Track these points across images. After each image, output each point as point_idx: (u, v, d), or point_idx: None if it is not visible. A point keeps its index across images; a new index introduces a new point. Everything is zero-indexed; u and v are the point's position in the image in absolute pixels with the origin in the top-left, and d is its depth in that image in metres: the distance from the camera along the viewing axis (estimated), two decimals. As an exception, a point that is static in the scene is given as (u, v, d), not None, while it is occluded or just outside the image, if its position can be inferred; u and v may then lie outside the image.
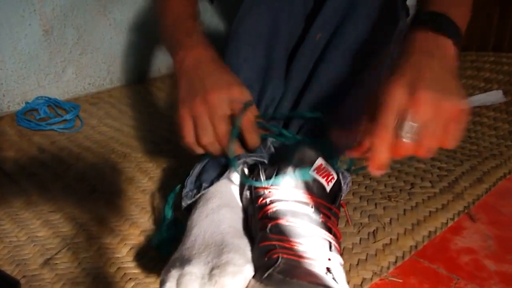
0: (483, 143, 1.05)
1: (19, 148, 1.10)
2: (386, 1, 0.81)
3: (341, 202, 0.68)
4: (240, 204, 0.68)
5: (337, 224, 0.63)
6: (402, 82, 0.54)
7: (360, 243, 0.74)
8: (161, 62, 1.59)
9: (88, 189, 0.92)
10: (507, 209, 0.84)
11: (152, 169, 1.00)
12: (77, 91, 1.41)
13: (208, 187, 0.69)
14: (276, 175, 0.62)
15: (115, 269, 0.71)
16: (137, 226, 0.80)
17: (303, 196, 0.60)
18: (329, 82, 0.79)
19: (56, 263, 0.72)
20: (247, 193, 0.66)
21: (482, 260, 0.73)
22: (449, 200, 0.84)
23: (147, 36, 1.50)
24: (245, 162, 0.70)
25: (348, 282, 0.65)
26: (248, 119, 0.71)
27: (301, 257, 0.53)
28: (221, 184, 0.69)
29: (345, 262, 0.67)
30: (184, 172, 0.77)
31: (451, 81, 0.56)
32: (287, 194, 0.60)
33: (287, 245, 0.54)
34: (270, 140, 0.73)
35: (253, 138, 0.72)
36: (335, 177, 0.64)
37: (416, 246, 0.74)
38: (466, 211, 0.82)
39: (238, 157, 0.70)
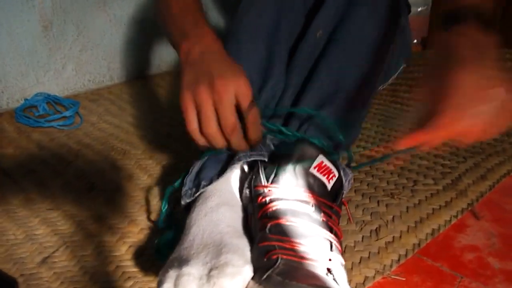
0: (486, 140, 1.03)
1: (17, 145, 1.09)
2: None
3: (343, 199, 0.67)
4: (240, 202, 0.67)
5: (339, 223, 0.62)
6: (471, 69, 0.55)
7: (362, 241, 0.73)
8: (162, 59, 1.58)
9: (87, 186, 0.91)
10: (511, 206, 0.83)
11: (151, 166, 0.99)
12: (77, 88, 1.40)
13: (207, 185, 0.68)
14: (276, 173, 0.61)
15: (113, 267, 0.70)
16: (136, 224, 0.79)
17: (304, 195, 0.59)
18: (330, 78, 0.78)
19: (54, 262, 0.71)
20: (246, 191, 0.65)
21: (486, 258, 0.72)
22: (452, 197, 0.83)
23: (147, 32, 1.49)
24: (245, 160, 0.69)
25: (350, 281, 0.64)
26: (255, 112, 0.69)
27: (301, 258, 0.52)
28: (221, 182, 0.68)
29: (347, 261, 0.66)
30: (185, 168, 0.76)
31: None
32: (287, 192, 0.59)
33: (287, 246, 0.53)
34: (269, 137, 0.72)
35: (256, 133, 0.70)
36: (336, 175, 0.63)
37: (419, 244, 0.73)
38: (469, 208, 0.81)
39: (237, 156, 0.69)
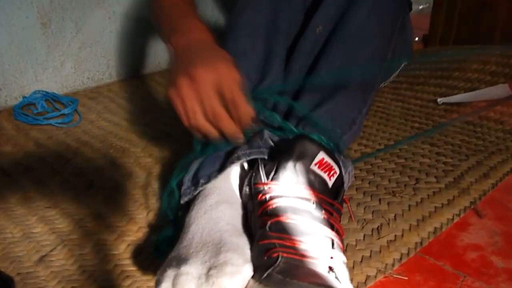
0: (489, 137, 1.03)
1: (16, 143, 1.09)
2: None
3: (344, 197, 0.66)
4: (240, 200, 0.66)
5: (340, 221, 0.61)
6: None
7: (364, 239, 0.73)
8: (161, 56, 1.57)
9: (85, 184, 0.91)
10: (515, 205, 0.83)
11: (151, 164, 0.98)
12: (76, 86, 1.39)
13: (205, 183, 0.67)
14: (276, 170, 0.60)
15: (111, 266, 0.69)
16: (135, 222, 0.79)
17: (304, 192, 0.58)
18: (330, 75, 0.77)
19: (52, 260, 0.71)
20: (246, 189, 0.65)
21: (489, 256, 0.71)
22: (454, 195, 0.83)
23: (147, 29, 1.48)
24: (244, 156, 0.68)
25: (352, 280, 0.64)
26: (237, 94, 0.66)
27: (302, 256, 0.51)
28: (221, 179, 0.67)
29: (348, 259, 0.66)
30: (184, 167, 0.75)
31: None
32: (288, 189, 0.58)
33: (287, 244, 0.52)
34: (266, 133, 0.71)
35: (244, 115, 0.67)
36: (337, 172, 0.62)
37: (421, 243, 0.72)
38: (472, 206, 0.81)
39: (236, 154, 0.68)
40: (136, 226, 0.78)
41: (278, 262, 0.50)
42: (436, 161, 0.94)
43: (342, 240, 0.57)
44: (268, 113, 0.73)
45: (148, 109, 1.28)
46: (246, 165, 0.70)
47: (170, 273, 0.50)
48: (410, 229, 0.74)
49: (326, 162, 0.61)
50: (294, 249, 0.52)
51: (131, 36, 1.46)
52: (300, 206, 0.56)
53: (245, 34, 0.81)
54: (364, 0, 0.80)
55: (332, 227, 0.57)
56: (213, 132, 0.68)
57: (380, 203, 0.81)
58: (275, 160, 0.62)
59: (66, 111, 1.21)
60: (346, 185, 0.70)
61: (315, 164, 0.60)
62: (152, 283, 0.65)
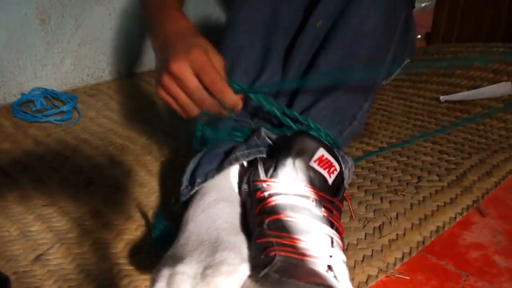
0: (492, 135, 1.02)
1: (14, 140, 1.08)
2: None
3: (345, 195, 0.65)
4: (239, 198, 0.65)
5: (340, 219, 0.60)
6: None
7: (365, 238, 0.72)
8: (162, 53, 1.56)
9: (84, 182, 0.90)
10: (517, 203, 0.82)
11: (150, 162, 0.97)
12: (76, 83, 1.39)
13: (202, 182, 0.66)
14: (275, 167, 0.59)
15: (109, 265, 0.69)
16: (134, 220, 0.78)
17: (304, 189, 0.57)
18: (330, 71, 0.76)
19: (48, 259, 0.70)
20: (245, 186, 0.64)
21: (492, 256, 0.71)
22: (457, 194, 0.82)
23: (147, 26, 1.47)
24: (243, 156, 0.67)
25: (353, 279, 0.63)
26: (213, 77, 0.66)
27: (300, 254, 0.50)
28: (220, 177, 0.66)
29: (349, 258, 0.65)
30: (184, 164, 0.74)
31: None
32: (287, 187, 0.57)
33: (285, 242, 0.51)
34: (264, 130, 0.70)
35: (228, 99, 0.68)
36: (338, 169, 0.61)
37: (423, 242, 0.71)
38: (475, 205, 0.80)
39: (235, 155, 0.67)
40: (135, 225, 0.77)
41: (275, 261, 0.49)
42: (438, 159, 0.93)
43: (342, 239, 0.56)
44: (268, 106, 0.72)
45: (148, 107, 1.27)
46: (245, 163, 0.69)
47: (165, 272, 0.49)
48: (412, 228, 0.73)
49: (326, 158, 0.60)
50: (292, 248, 0.51)
51: (131, 33, 1.45)
52: (299, 204, 0.55)
53: (243, 30, 0.80)
54: None
55: (331, 225, 0.56)
56: (209, 113, 0.70)
57: (381, 201, 0.80)
58: (274, 157, 0.61)
59: (65, 108, 1.20)
60: (346, 182, 0.69)
61: (315, 161, 0.59)
62: (149, 283, 0.64)
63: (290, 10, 0.84)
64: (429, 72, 1.38)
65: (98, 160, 0.99)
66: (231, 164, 0.66)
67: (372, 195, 0.82)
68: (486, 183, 0.85)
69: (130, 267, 0.68)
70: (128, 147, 1.04)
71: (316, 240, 0.53)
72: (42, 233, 0.76)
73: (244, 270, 0.50)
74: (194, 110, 0.68)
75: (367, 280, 0.64)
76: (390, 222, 0.75)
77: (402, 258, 0.68)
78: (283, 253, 0.50)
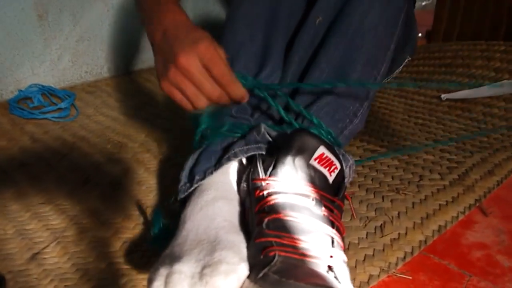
0: (494, 134, 1.01)
1: (11, 138, 1.07)
2: None
3: (346, 194, 0.64)
4: (238, 196, 0.65)
5: (341, 218, 0.59)
6: None
7: (366, 237, 0.71)
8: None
9: (81, 180, 0.89)
10: (520, 202, 0.81)
11: (149, 159, 0.97)
12: (74, 80, 1.38)
13: (201, 179, 0.66)
14: (274, 165, 0.58)
15: (106, 264, 0.68)
16: (132, 219, 0.77)
17: (304, 188, 0.55)
18: (330, 67, 0.75)
19: (44, 258, 0.69)
20: (244, 184, 0.63)
21: (495, 255, 0.70)
22: (459, 193, 0.81)
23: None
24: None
25: (354, 279, 0.62)
26: (222, 70, 0.66)
27: (300, 255, 0.49)
28: (218, 175, 0.66)
29: (350, 258, 0.64)
30: (182, 162, 0.73)
31: None
32: (286, 186, 0.56)
33: (285, 242, 0.50)
34: (264, 127, 0.69)
35: (235, 90, 0.68)
36: (339, 167, 0.60)
37: (425, 241, 0.70)
38: (477, 204, 0.79)
39: (233, 151, 0.66)
40: (133, 223, 0.76)
41: (274, 262, 0.48)
42: (440, 157, 0.92)
43: (342, 238, 0.55)
44: (270, 101, 0.71)
45: (147, 104, 1.27)
46: (244, 160, 0.68)
47: (162, 272, 0.48)
48: (414, 227, 0.73)
49: (326, 157, 0.58)
50: (292, 248, 0.50)
51: (130, 29, 1.44)
52: (299, 203, 0.54)
53: (243, 26, 0.79)
54: None
55: (332, 224, 0.55)
56: (216, 106, 0.69)
57: (383, 200, 0.80)
58: (274, 155, 0.60)
59: (63, 105, 1.19)
60: (347, 181, 0.68)
61: (315, 159, 0.57)
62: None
63: (290, 6, 0.83)
64: (430, 70, 1.38)
65: (96, 158, 0.98)
66: (229, 160, 0.66)
67: (373, 194, 0.81)
68: (488, 182, 0.84)
69: (128, 266, 0.67)
70: (127, 144, 1.03)
71: (317, 240, 0.52)
72: (38, 232, 0.75)
73: (243, 269, 0.49)
74: (203, 102, 0.67)
75: (368, 280, 0.63)
76: (392, 221, 0.74)
77: (404, 257, 0.67)
78: (283, 253, 0.49)
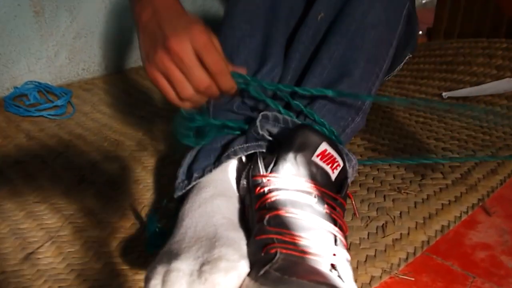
0: (496, 133, 1.00)
1: (6, 135, 1.06)
2: None
3: (348, 193, 0.62)
4: (237, 193, 0.64)
5: (343, 216, 0.58)
6: None
7: (368, 238, 0.70)
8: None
9: (77, 178, 0.88)
10: (524, 202, 0.80)
11: (146, 158, 0.95)
12: (70, 77, 1.36)
13: (199, 177, 0.64)
14: (275, 162, 0.57)
15: (102, 264, 0.67)
16: (128, 218, 0.76)
17: (305, 185, 0.54)
18: (332, 64, 0.74)
19: (38, 258, 0.68)
20: (244, 181, 0.61)
21: (499, 256, 0.69)
22: (462, 192, 0.80)
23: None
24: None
25: (356, 281, 0.61)
26: (216, 59, 0.62)
27: (302, 252, 0.48)
28: (217, 172, 0.64)
29: (352, 259, 0.63)
30: (180, 160, 0.72)
31: None
32: (288, 182, 0.54)
33: (286, 239, 0.49)
34: (263, 122, 0.67)
35: (226, 82, 0.64)
36: (341, 164, 0.59)
37: (428, 241, 0.69)
38: (480, 203, 0.78)
39: (233, 149, 0.65)
40: (129, 223, 0.75)
41: (276, 259, 0.47)
42: (442, 156, 0.91)
43: (345, 237, 0.54)
44: (269, 101, 0.69)
45: (145, 102, 1.26)
46: (244, 158, 0.66)
47: (160, 270, 0.47)
48: (416, 227, 0.71)
49: (329, 153, 0.57)
50: (293, 245, 0.49)
51: (128, 26, 1.43)
52: (301, 200, 0.53)
53: (243, 20, 0.78)
54: None
55: (334, 222, 0.53)
56: (203, 100, 0.65)
57: (384, 199, 0.78)
58: (275, 151, 0.59)
59: (59, 102, 1.18)
60: (349, 180, 0.66)
61: (317, 156, 0.56)
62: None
63: (291, 1, 0.82)
64: (431, 68, 1.37)
65: (92, 156, 0.96)
66: (229, 158, 0.64)
67: (375, 193, 0.80)
68: (491, 181, 0.83)
69: (124, 266, 0.66)
70: (124, 142, 1.02)
71: (318, 238, 0.50)
72: (32, 231, 0.74)
73: (243, 267, 0.48)
74: (189, 92, 0.63)
75: (370, 281, 0.62)
76: (394, 221, 0.73)
77: (407, 258, 0.66)
78: (284, 251, 0.47)
